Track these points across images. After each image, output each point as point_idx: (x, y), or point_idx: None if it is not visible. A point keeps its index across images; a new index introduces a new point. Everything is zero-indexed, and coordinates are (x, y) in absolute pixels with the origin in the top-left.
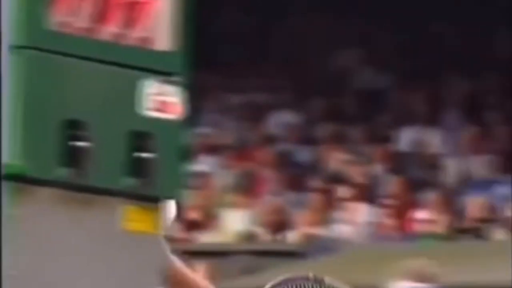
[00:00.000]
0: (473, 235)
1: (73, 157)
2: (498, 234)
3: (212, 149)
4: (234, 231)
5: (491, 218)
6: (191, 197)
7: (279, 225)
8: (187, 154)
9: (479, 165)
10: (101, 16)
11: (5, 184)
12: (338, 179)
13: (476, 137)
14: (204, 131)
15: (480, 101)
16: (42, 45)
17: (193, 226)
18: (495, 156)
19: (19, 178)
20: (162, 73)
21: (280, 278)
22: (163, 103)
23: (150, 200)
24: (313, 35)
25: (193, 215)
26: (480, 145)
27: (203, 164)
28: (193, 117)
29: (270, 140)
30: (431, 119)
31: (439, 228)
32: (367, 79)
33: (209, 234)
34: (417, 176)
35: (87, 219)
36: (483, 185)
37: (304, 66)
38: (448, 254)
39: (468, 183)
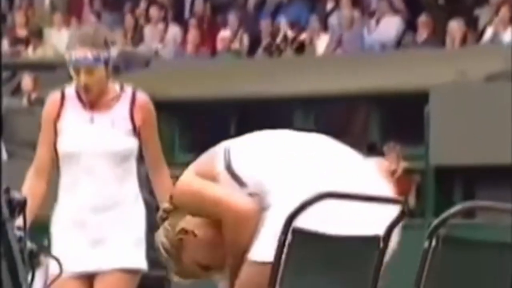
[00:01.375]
0: (267, 53)
1: None
2: (288, 52)
3: None
4: (59, 48)
5: (282, 38)
6: (18, 17)
7: None
8: None
9: None
10: None
11: None
12: (152, 1)
13: None
14: None
15: None
16: None
17: (21, 42)
18: None
19: None
20: None
21: None
22: None
23: None
24: None
25: (21, 32)
26: None
27: None
28: None
29: None
30: None
31: (239, 46)
32: None
33: (36, 50)
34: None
35: None
36: (277, 8)
37: None
38: (246, 69)
39: (264, 6)
